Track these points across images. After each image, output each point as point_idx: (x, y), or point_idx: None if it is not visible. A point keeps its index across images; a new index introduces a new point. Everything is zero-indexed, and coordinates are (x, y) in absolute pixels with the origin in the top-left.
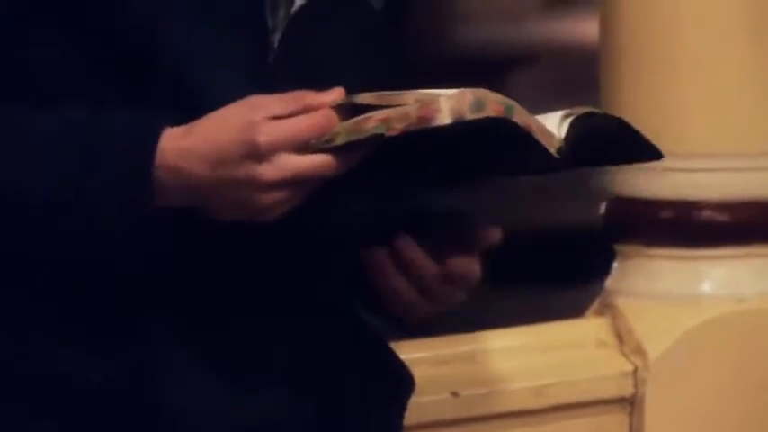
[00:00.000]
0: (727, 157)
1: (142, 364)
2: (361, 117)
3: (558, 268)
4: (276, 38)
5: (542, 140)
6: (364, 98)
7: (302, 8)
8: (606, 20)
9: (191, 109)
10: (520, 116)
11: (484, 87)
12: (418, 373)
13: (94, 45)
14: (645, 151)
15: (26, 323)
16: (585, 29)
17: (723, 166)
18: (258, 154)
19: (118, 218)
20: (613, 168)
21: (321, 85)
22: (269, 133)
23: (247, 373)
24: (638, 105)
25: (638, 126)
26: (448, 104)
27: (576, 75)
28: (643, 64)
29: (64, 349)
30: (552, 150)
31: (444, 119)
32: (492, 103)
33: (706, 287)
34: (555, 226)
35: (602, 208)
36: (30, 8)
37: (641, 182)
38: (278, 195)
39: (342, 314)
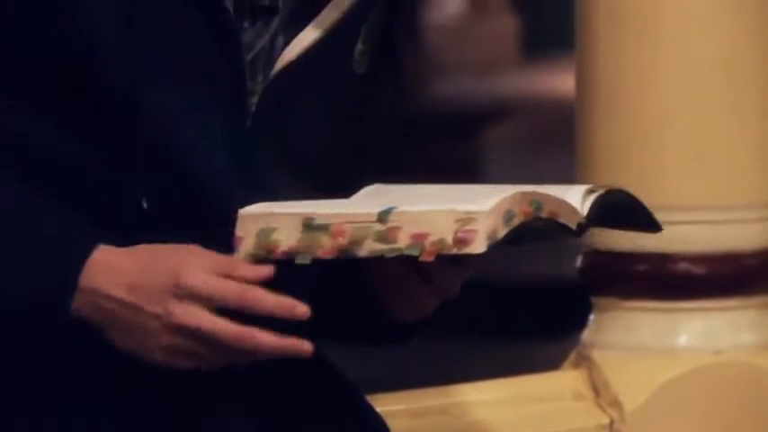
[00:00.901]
0: (702, 210)
1: None
2: (391, 226)
3: (534, 321)
4: (254, 101)
5: (566, 220)
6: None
7: (281, 72)
8: (582, 74)
9: (168, 171)
10: (547, 206)
11: (459, 141)
12: (395, 425)
13: (71, 108)
14: (647, 223)
15: None
16: (561, 83)
17: (699, 219)
18: (179, 293)
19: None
20: None
21: (297, 149)
22: (196, 279)
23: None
24: (614, 158)
25: (613, 179)
26: (485, 225)
27: (553, 128)
28: (619, 117)
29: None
30: (573, 226)
31: (480, 245)
32: (521, 206)
33: (682, 340)
34: (531, 279)
35: (579, 260)
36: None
37: (618, 234)
38: (177, 341)
39: (318, 367)
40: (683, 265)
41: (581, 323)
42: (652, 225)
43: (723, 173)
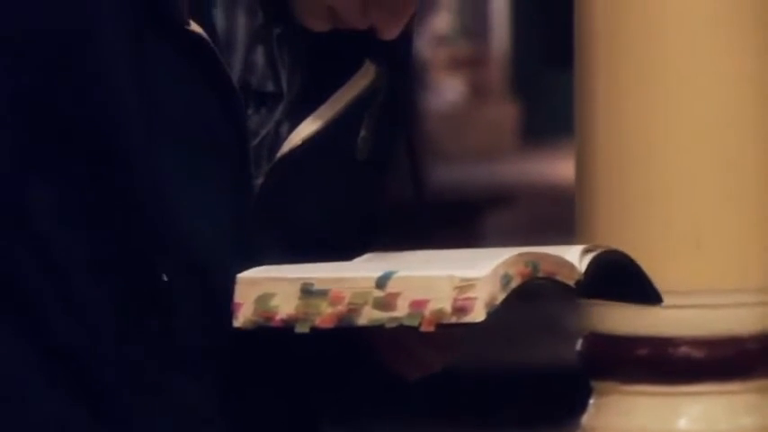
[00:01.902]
0: (702, 294)
1: None
2: (390, 292)
3: (534, 405)
4: (258, 184)
5: (564, 278)
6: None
7: (285, 157)
8: (581, 160)
9: (169, 248)
10: (544, 265)
11: (459, 228)
12: None
13: (73, 186)
14: (649, 295)
15: None
16: (561, 169)
17: (699, 303)
18: None
19: None
20: (590, 304)
21: (300, 231)
22: None
23: None
24: (614, 243)
25: None
26: (484, 292)
27: (552, 215)
28: (619, 202)
29: None
30: (571, 283)
31: (479, 314)
32: (518, 268)
33: (682, 424)
34: (530, 363)
35: (579, 344)
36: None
37: (617, 318)
38: None
39: None
40: (683, 349)
41: (581, 407)
42: (652, 296)
43: (724, 257)
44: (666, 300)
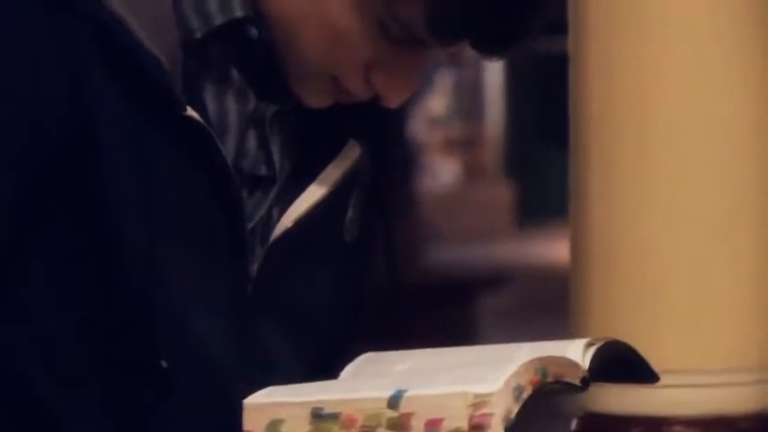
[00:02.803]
0: (696, 374)
1: None
2: (404, 412)
3: None
4: (254, 268)
5: (570, 378)
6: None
7: (279, 239)
8: (576, 240)
9: (168, 335)
10: (552, 369)
11: (455, 308)
12: None
13: (72, 274)
14: (645, 374)
15: None
16: (556, 250)
17: (693, 383)
18: None
19: None
20: None
21: (296, 313)
22: None
23: None
24: (610, 323)
25: None
26: (500, 408)
27: (548, 295)
28: (613, 283)
29: None
30: (577, 382)
31: (497, 430)
32: (528, 377)
33: None
34: None
35: (574, 424)
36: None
37: (612, 398)
38: None
39: None
40: (677, 429)
41: None
42: (649, 375)
43: (718, 337)
44: (662, 379)
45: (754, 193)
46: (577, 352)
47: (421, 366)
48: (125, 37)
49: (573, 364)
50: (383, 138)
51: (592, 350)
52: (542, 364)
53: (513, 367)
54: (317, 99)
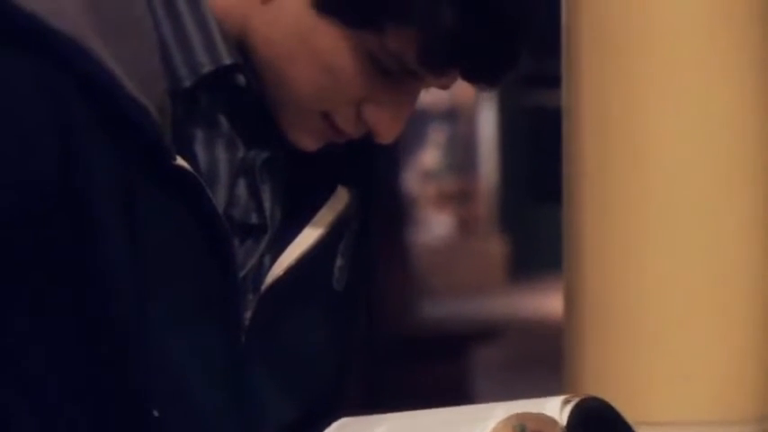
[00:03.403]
0: (688, 426)
1: None
2: None
3: None
4: (247, 317)
5: None
6: None
7: (271, 287)
8: (570, 295)
9: (160, 386)
10: (530, 425)
11: (447, 362)
12: None
13: (65, 331)
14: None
15: None
16: (548, 304)
17: None
18: None
19: None
20: None
21: (288, 360)
22: None
23: None
24: (602, 377)
25: (602, 396)
26: None
27: (541, 349)
28: (607, 335)
29: None
30: None
31: None
32: None
33: None
34: None
35: None
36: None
37: None
38: None
39: None
40: None
41: None
42: None
43: (711, 389)
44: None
45: (749, 245)
46: (555, 408)
47: (398, 430)
48: (113, 88)
49: (551, 421)
50: (371, 184)
51: (569, 407)
52: (520, 421)
53: (491, 424)
54: (309, 140)
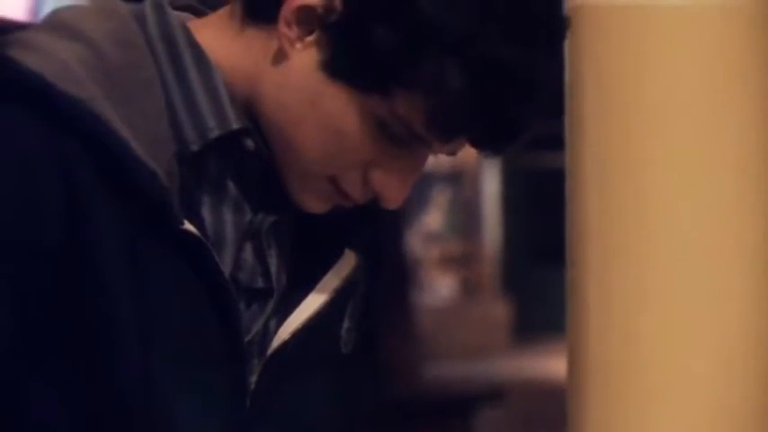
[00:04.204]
0: None
1: None
2: None
3: None
4: (252, 381)
5: None
6: None
7: (277, 352)
8: (574, 356)
9: None
10: None
11: (453, 424)
12: None
13: (70, 394)
14: None
15: None
16: (553, 365)
17: None
18: None
19: None
20: None
21: (295, 425)
22: None
23: None
24: None
25: None
26: None
27: (545, 411)
28: (611, 398)
29: None
30: None
31: None
32: None
33: None
34: None
35: None
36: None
37: None
38: None
39: None
40: None
41: None
42: None
43: None
44: None
45: (754, 302)
46: None
47: None
48: (121, 152)
49: None
50: (378, 248)
51: None
52: None
53: None
54: (315, 203)
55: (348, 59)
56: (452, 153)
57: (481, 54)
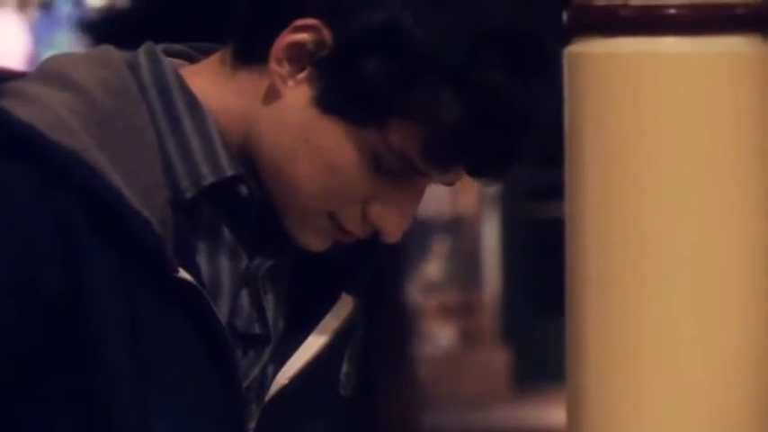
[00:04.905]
0: None
1: None
2: None
3: None
4: (251, 427)
5: None
6: None
7: (275, 398)
8: (573, 406)
9: None
10: None
11: None
12: None
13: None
14: None
15: None
16: (553, 415)
17: None
18: None
19: None
20: None
21: None
22: None
23: None
24: None
25: None
26: None
27: None
28: None
29: None
30: None
31: None
32: None
33: None
34: None
35: None
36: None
37: None
38: None
39: None
40: None
41: None
42: None
43: None
44: None
45: (755, 354)
46: None
47: None
48: (116, 203)
49: None
50: (376, 290)
51: None
52: None
53: None
54: (315, 240)
55: (341, 93)
56: (450, 183)
57: (474, 82)
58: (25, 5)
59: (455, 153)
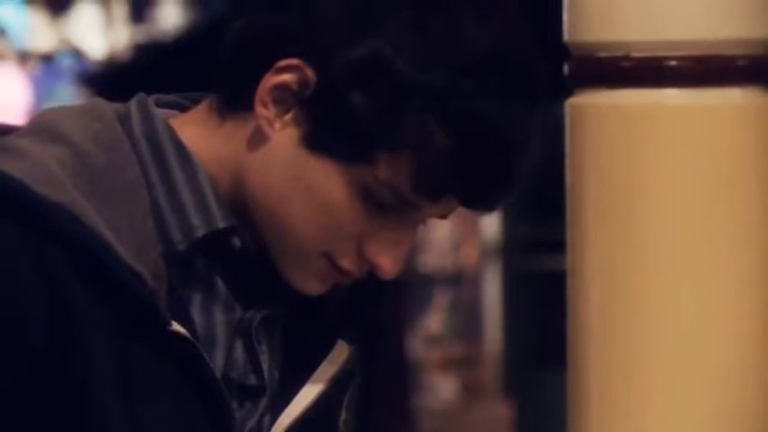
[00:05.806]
0: None
1: None
2: None
3: None
4: None
5: None
6: None
7: None
8: None
9: None
10: None
11: None
12: None
13: None
14: None
15: None
16: None
17: None
18: None
19: None
20: None
21: None
22: None
23: None
24: None
25: None
26: None
27: None
28: None
29: None
30: None
31: None
32: None
33: None
34: None
35: None
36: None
37: None
38: None
39: None
40: None
41: None
42: None
43: None
44: None
45: (757, 407)
46: None
47: None
48: (106, 257)
49: None
50: (372, 338)
51: None
52: None
53: None
54: (313, 283)
55: (327, 131)
56: (444, 216)
57: (460, 109)
58: (26, 58)
59: (444, 182)
